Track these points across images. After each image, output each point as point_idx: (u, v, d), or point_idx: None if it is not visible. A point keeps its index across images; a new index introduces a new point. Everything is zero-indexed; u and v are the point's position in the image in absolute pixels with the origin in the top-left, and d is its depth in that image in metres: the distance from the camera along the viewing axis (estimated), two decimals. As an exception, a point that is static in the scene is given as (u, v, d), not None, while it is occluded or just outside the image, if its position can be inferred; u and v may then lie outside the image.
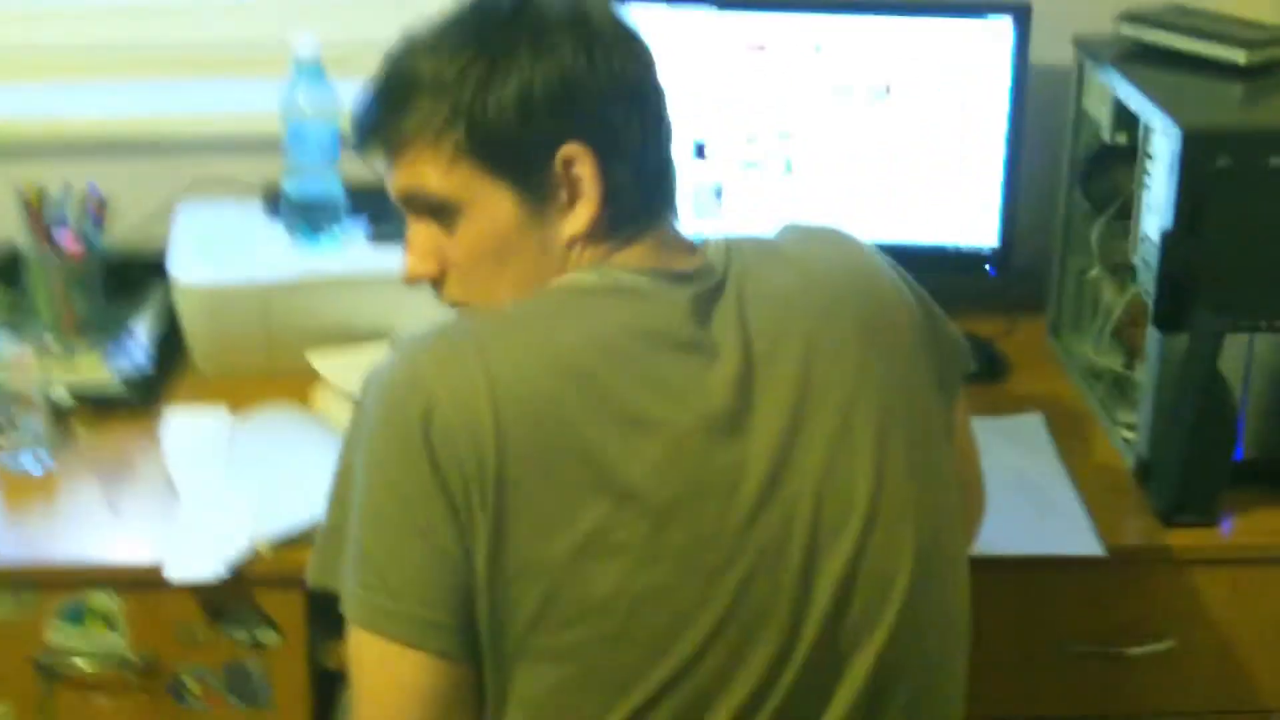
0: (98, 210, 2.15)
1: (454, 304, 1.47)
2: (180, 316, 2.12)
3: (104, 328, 2.16)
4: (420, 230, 1.46)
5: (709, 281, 1.43)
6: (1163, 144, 1.86)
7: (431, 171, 1.41)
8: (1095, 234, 2.16)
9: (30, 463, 1.95)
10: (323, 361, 2.08)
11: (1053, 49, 2.25)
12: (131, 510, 1.88)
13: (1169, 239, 1.83)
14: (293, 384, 2.10)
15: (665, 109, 1.47)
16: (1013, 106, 2.22)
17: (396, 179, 1.45)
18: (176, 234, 2.18)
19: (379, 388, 1.36)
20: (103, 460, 1.98)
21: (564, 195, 1.41)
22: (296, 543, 1.77)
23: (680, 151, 1.49)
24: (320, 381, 2.06)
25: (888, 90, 2.22)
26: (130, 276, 2.25)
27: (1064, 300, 2.30)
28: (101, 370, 2.08)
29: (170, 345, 2.18)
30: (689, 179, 2.24)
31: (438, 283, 1.47)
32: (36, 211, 2.13)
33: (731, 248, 1.48)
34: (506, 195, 1.41)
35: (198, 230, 2.19)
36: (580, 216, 1.41)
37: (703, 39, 2.21)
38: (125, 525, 1.85)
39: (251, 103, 2.35)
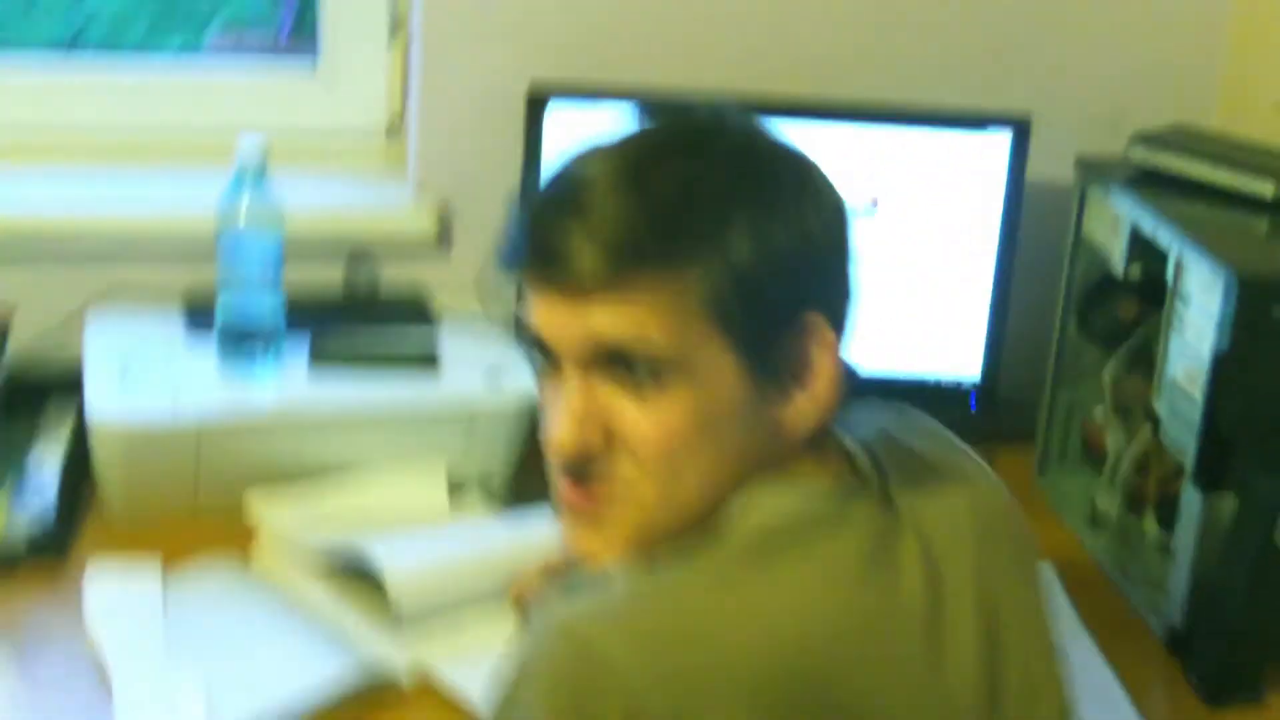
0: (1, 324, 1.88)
1: (594, 484, 1.18)
2: (95, 458, 1.85)
3: (3, 465, 1.89)
4: (593, 390, 1.16)
5: (873, 496, 1.22)
6: (1203, 287, 1.72)
7: (658, 324, 1.12)
8: (1108, 374, 2.00)
9: (-74, 638, 1.68)
10: (266, 509, 1.83)
11: (1051, 167, 2.09)
12: (55, 703, 1.61)
13: (1216, 390, 1.69)
14: (223, 529, 1.85)
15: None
16: (1004, 228, 2.07)
17: (595, 319, 1.13)
18: (89, 355, 1.92)
19: (546, 680, 1.09)
20: (11, 631, 1.70)
21: (789, 377, 1.17)
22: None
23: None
24: (261, 532, 1.82)
25: (874, 205, 2.05)
26: (23, 396, 1.98)
27: (1052, 437, 2.14)
28: (4, 519, 1.81)
29: (76, 479, 1.91)
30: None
31: (585, 459, 1.17)
32: (-77, 332, 1.86)
33: (868, 447, 1.26)
34: (732, 367, 1.15)
35: (112, 350, 1.92)
36: (806, 405, 1.17)
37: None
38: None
39: (164, 200, 2.11)
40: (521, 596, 1.68)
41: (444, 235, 2.16)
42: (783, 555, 1.14)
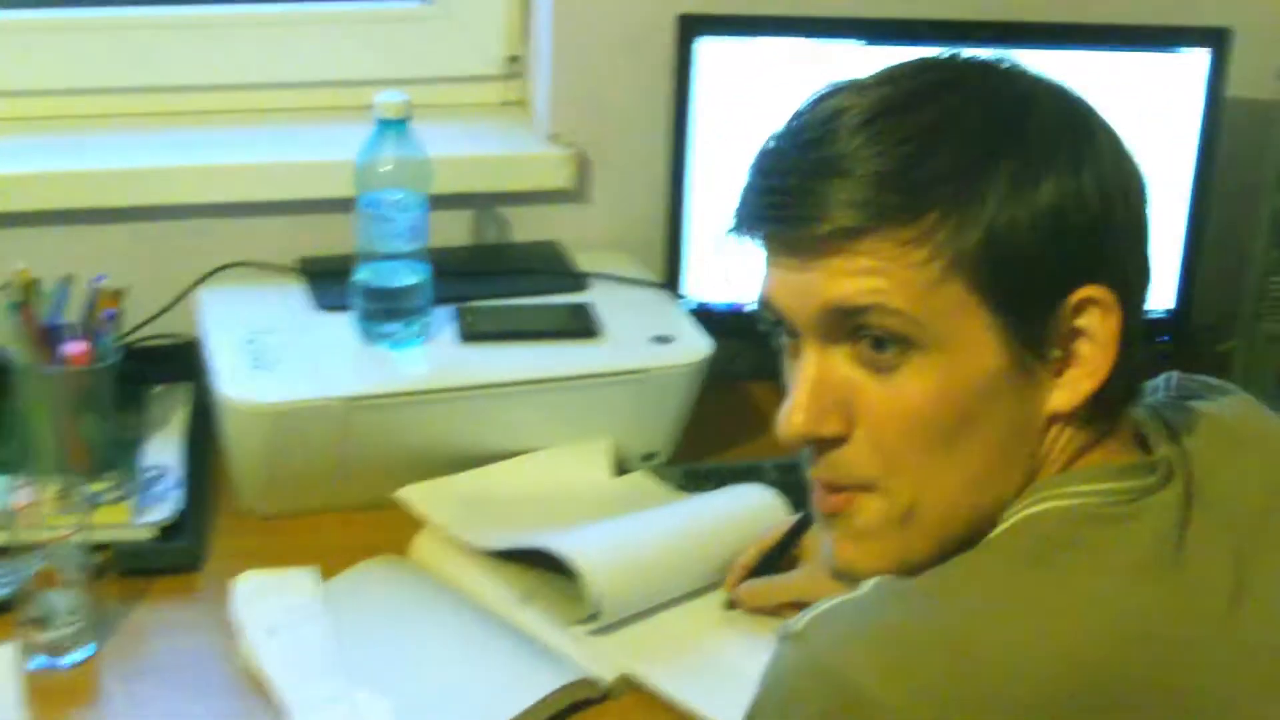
0: (110, 306, 1.67)
1: (848, 482, 1.03)
2: (230, 444, 1.65)
3: (122, 461, 1.69)
4: (833, 365, 1.02)
5: (1174, 488, 1.04)
6: None
7: (902, 287, 0.98)
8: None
9: (72, 659, 1.48)
10: (425, 503, 1.63)
11: (1251, 82, 1.90)
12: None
13: None
14: (373, 523, 1.66)
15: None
16: (1202, 151, 1.89)
17: (826, 284, 1.00)
18: (211, 333, 1.71)
19: (796, 705, 0.96)
20: (156, 651, 1.51)
21: (1058, 353, 1.01)
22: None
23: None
24: (425, 529, 1.62)
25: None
26: (126, 383, 1.78)
27: (1251, 373, 1.96)
28: (131, 521, 1.61)
29: (198, 473, 1.71)
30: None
31: (826, 442, 1.02)
32: (30, 311, 1.65)
33: (1175, 431, 1.09)
34: (993, 338, 0.99)
35: (234, 327, 1.72)
36: (1079, 386, 1.01)
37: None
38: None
39: (261, 161, 1.90)
40: (739, 594, 1.53)
41: (581, 186, 1.95)
42: (1058, 559, 0.98)
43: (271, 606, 1.52)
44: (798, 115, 1.04)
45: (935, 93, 1.01)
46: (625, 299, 1.82)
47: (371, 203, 1.66)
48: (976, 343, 0.99)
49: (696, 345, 1.74)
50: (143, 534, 1.61)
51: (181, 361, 1.84)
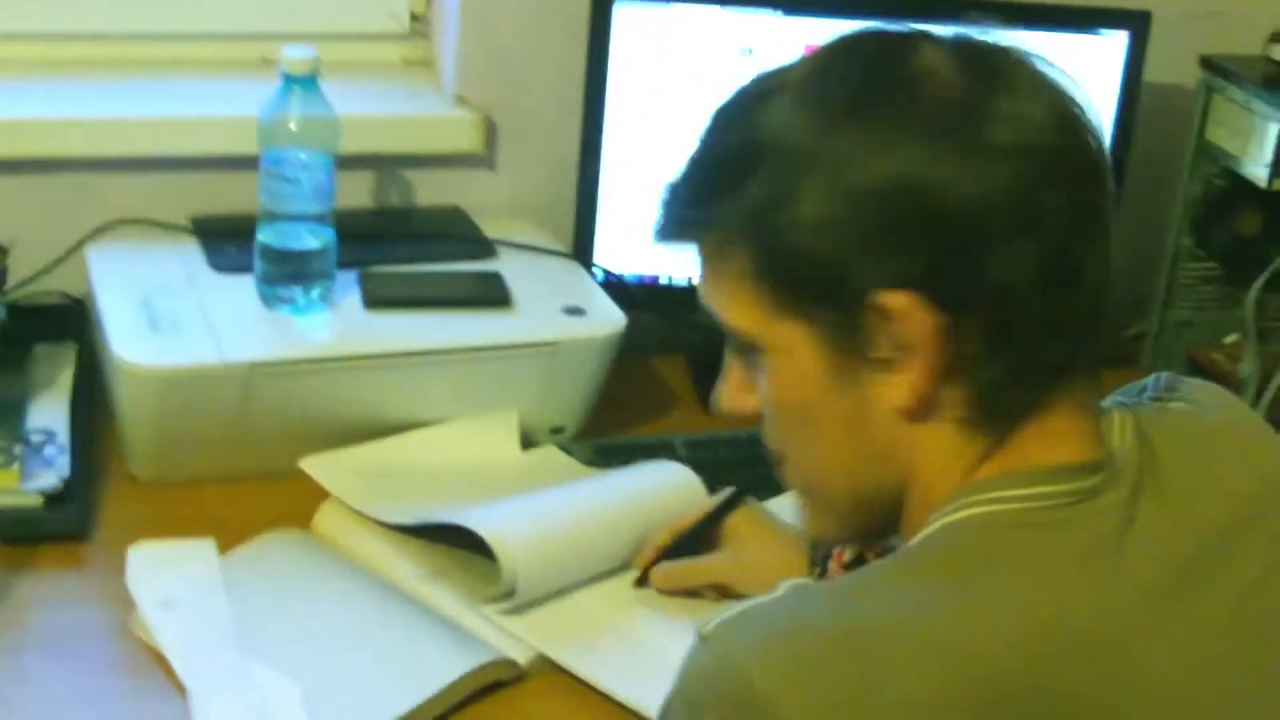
0: (-3, 262, 1.59)
1: (775, 454, 1.11)
2: (122, 408, 1.57)
3: (5, 423, 1.60)
4: (735, 360, 1.11)
5: (1118, 489, 1.01)
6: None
7: (732, 300, 1.05)
8: (1251, 299, 1.81)
9: (-48, 637, 1.40)
10: (327, 475, 1.57)
11: (1167, 69, 1.90)
12: (110, 709, 1.35)
13: None
14: (268, 495, 1.59)
15: (1098, 224, 1.02)
16: (1117, 136, 1.86)
17: (701, 286, 1.09)
18: (102, 292, 1.63)
19: (700, 707, 0.95)
20: (45, 623, 1.43)
21: (884, 353, 1.00)
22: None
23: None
24: (327, 503, 1.56)
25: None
26: (8, 342, 1.69)
27: (1159, 363, 1.96)
28: (18, 487, 1.53)
29: (86, 438, 1.63)
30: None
31: (744, 423, 1.13)
32: (-89, 265, 1.56)
33: (1145, 430, 1.06)
34: (807, 342, 1.02)
35: (126, 286, 1.64)
36: (904, 386, 1.00)
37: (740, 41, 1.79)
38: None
39: (151, 116, 1.82)
40: (653, 577, 1.49)
41: (488, 151, 1.89)
42: (970, 568, 0.97)
43: (166, 579, 1.45)
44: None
45: (739, 104, 1.05)
46: (534, 268, 1.77)
47: (275, 161, 1.59)
48: (796, 346, 1.03)
49: (610, 317, 1.69)
50: (29, 500, 1.53)
51: (66, 320, 1.77)
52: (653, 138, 1.81)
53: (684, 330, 1.96)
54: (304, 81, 1.57)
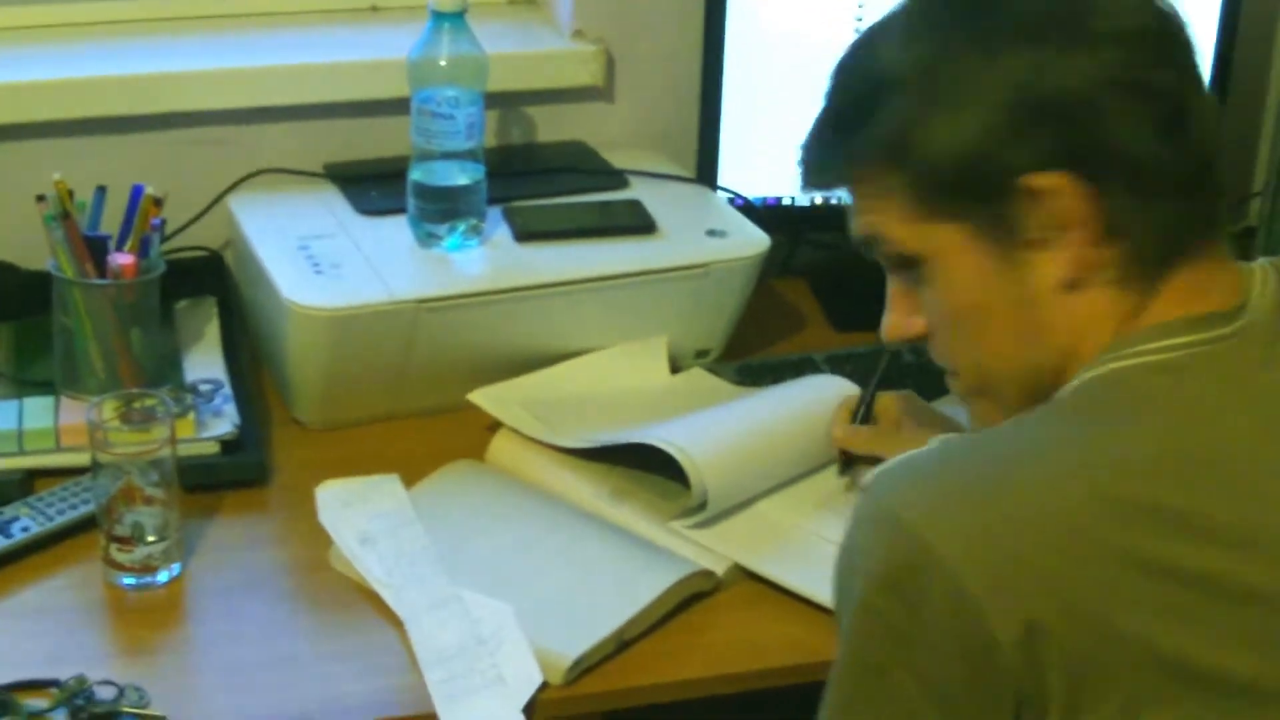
0: (156, 215, 1.60)
1: (948, 366, 1.18)
2: (291, 353, 1.59)
3: (170, 376, 1.62)
4: (897, 282, 1.18)
5: (1257, 333, 1.08)
6: None
7: (885, 217, 1.12)
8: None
9: (166, 576, 1.42)
10: (495, 403, 1.59)
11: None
12: (327, 641, 1.38)
13: None
14: (432, 431, 1.62)
15: (1198, 86, 1.10)
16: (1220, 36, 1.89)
17: (851, 223, 1.16)
18: (257, 240, 1.65)
19: (867, 568, 1.02)
20: (244, 565, 1.46)
21: (1036, 233, 1.08)
22: (590, 664, 1.33)
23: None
24: (502, 432, 1.58)
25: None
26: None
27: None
28: (196, 436, 1.55)
29: (246, 388, 1.65)
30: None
31: (913, 342, 1.19)
32: (73, 222, 1.57)
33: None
34: (966, 239, 1.10)
35: (279, 235, 1.65)
36: (1062, 260, 1.08)
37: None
38: (335, 661, 1.35)
39: (284, 58, 1.83)
40: (839, 435, 1.55)
41: (606, 83, 1.91)
42: (1100, 410, 1.06)
43: (359, 515, 1.48)
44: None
45: (880, 30, 1.12)
46: (666, 195, 1.78)
47: (427, 99, 1.61)
48: (957, 248, 1.09)
49: (752, 238, 1.71)
50: (207, 448, 1.55)
51: (202, 274, 1.79)
52: (770, 61, 1.83)
53: (806, 250, 1.98)
54: (453, 18, 1.59)
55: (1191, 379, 1.05)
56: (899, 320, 1.17)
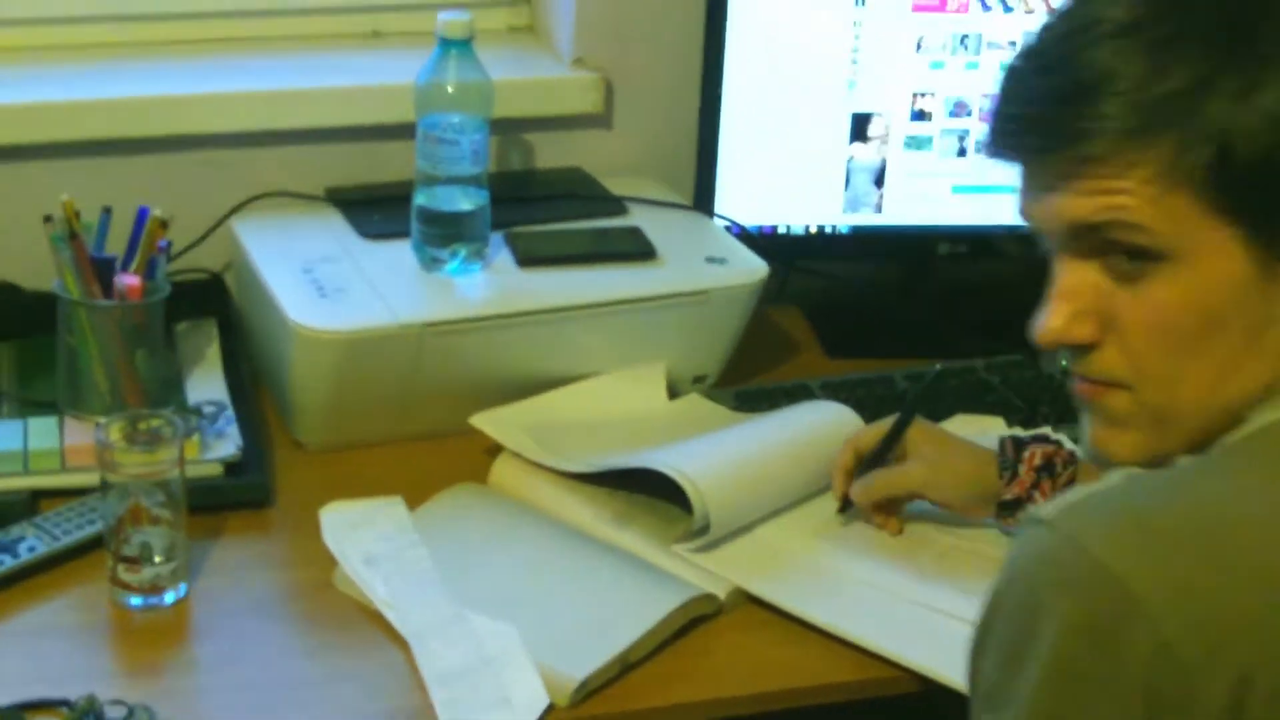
0: (162, 237, 1.61)
1: (1100, 379, 1.07)
2: (296, 375, 1.60)
3: (173, 397, 1.63)
4: (1084, 276, 1.05)
5: None
6: None
7: (1142, 202, 1.00)
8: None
9: (173, 597, 1.43)
10: (497, 427, 1.60)
11: None
12: (333, 662, 1.39)
13: None
14: (433, 454, 1.64)
15: None
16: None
17: (1068, 203, 1.03)
18: (262, 263, 1.66)
19: (1059, 609, 0.95)
20: (249, 586, 1.47)
21: None
22: (595, 686, 1.34)
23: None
24: (504, 456, 1.59)
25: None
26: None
27: None
28: (200, 457, 1.56)
29: (249, 410, 1.66)
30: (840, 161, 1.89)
31: (1082, 347, 1.06)
32: (81, 243, 1.58)
33: None
34: (1235, 246, 1.00)
35: (284, 257, 1.67)
36: None
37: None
38: (341, 682, 1.36)
39: (287, 83, 1.85)
40: (854, 492, 1.54)
41: (606, 110, 1.93)
42: None
43: (364, 537, 1.49)
44: (1044, 30, 1.04)
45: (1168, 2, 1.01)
46: (665, 222, 1.80)
47: (433, 125, 1.62)
48: (1219, 251, 1.00)
49: (751, 265, 1.73)
50: (211, 470, 1.56)
51: (204, 296, 1.80)
52: (767, 91, 1.85)
53: (799, 278, 2.00)
54: (460, 45, 1.61)
55: None
56: (1069, 321, 1.05)
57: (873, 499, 1.53)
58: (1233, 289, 1.01)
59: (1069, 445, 1.50)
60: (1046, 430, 1.58)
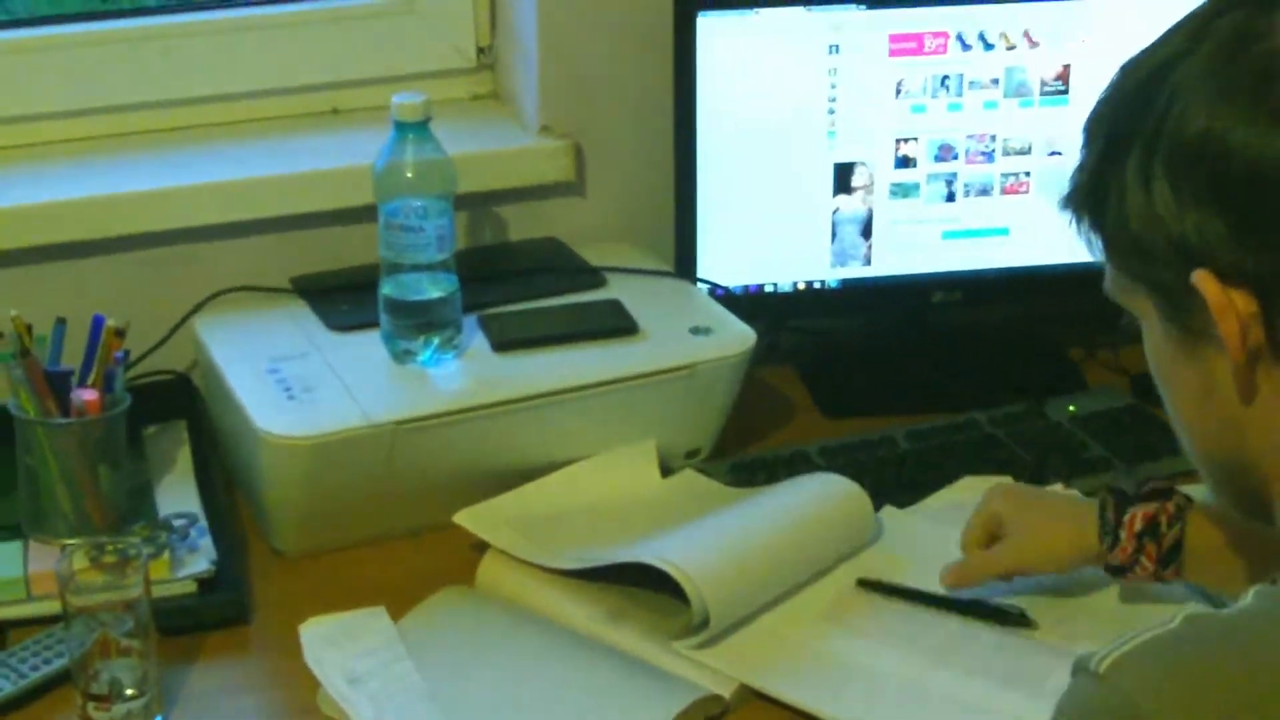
0: (118, 347, 1.54)
1: None
2: (265, 481, 1.53)
3: (142, 511, 1.56)
4: None
5: None
6: None
7: (1108, 266, 1.08)
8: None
9: (146, 737, 1.36)
10: (482, 524, 1.53)
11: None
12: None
13: None
14: (419, 553, 1.57)
15: None
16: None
17: None
18: (225, 364, 1.59)
19: None
20: (228, 714, 1.39)
21: (1210, 325, 1.00)
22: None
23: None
24: (491, 555, 1.52)
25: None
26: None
27: None
28: (172, 576, 1.48)
29: (222, 518, 1.59)
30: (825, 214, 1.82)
31: None
32: (34, 360, 1.51)
33: None
34: (1155, 312, 1.05)
35: (247, 357, 1.59)
36: (1227, 360, 1.00)
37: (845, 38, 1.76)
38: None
39: (243, 171, 1.78)
40: (952, 580, 1.47)
41: (576, 177, 1.86)
42: None
43: (346, 653, 1.41)
44: None
45: (1116, 78, 1.06)
46: (646, 291, 1.73)
47: (395, 211, 1.55)
48: (1148, 314, 1.06)
49: (738, 333, 1.66)
50: (184, 588, 1.49)
51: (173, 398, 1.73)
52: (743, 147, 1.78)
53: (790, 336, 1.93)
54: (417, 127, 1.54)
55: None
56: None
57: (966, 584, 1.46)
58: (1165, 350, 1.05)
59: (1180, 491, 1.39)
60: (1155, 481, 1.46)
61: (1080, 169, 1.06)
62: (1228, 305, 0.97)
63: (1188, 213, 0.98)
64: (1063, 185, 1.08)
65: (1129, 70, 1.04)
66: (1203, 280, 0.98)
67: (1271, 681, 0.89)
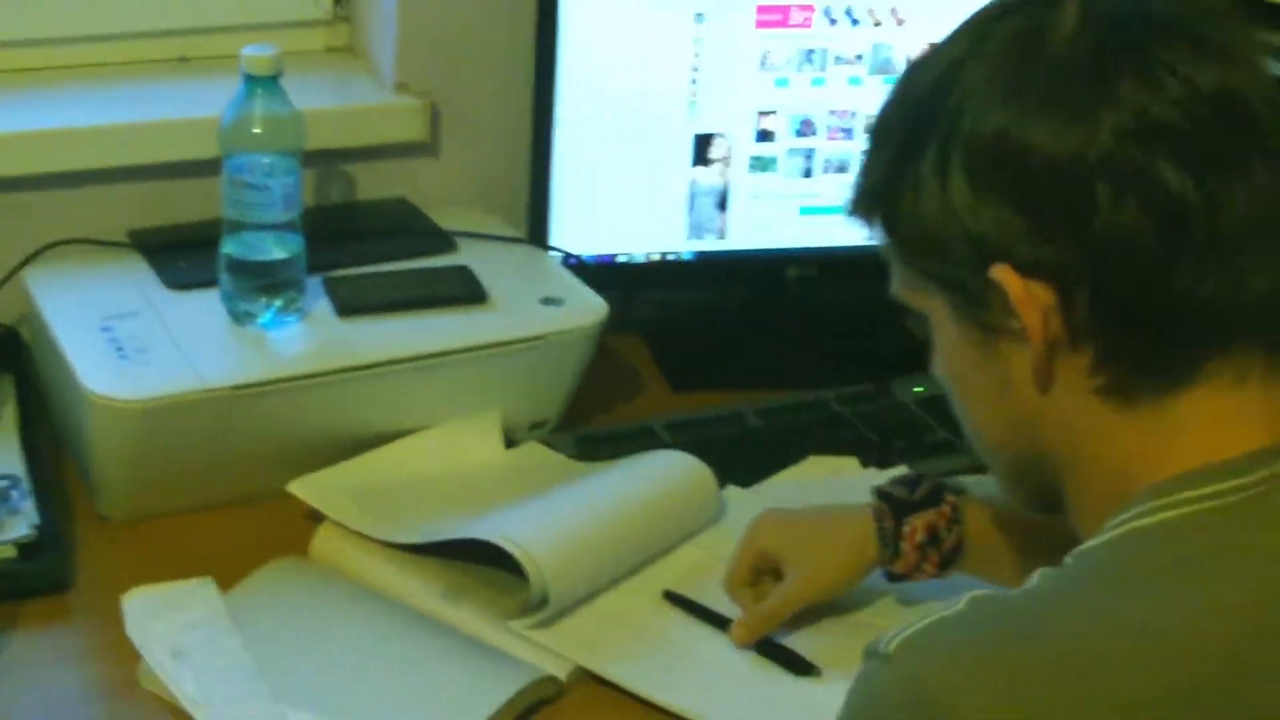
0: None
1: None
2: (94, 444, 1.47)
3: (-42, 470, 1.50)
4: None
5: None
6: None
7: (895, 268, 1.08)
8: None
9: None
10: (317, 494, 1.49)
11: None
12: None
13: None
14: (254, 521, 1.52)
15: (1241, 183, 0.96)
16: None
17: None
18: (55, 320, 1.53)
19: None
20: (46, 686, 1.34)
21: (1010, 324, 1.00)
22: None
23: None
24: (325, 526, 1.48)
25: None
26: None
27: None
28: (-11, 540, 1.43)
29: (47, 479, 1.53)
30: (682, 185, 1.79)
31: None
32: None
33: None
34: (948, 312, 1.04)
35: (79, 313, 1.53)
36: (1026, 358, 1.00)
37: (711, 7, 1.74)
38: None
39: (84, 118, 1.71)
40: (745, 636, 1.40)
41: (433, 139, 1.81)
42: (1164, 580, 0.93)
43: (170, 625, 1.36)
44: None
45: (904, 79, 1.07)
46: (497, 258, 1.69)
47: (240, 168, 1.50)
48: (940, 315, 1.05)
49: (590, 305, 1.63)
50: (4, 553, 1.43)
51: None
52: (603, 114, 1.74)
53: (641, 306, 1.90)
54: (267, 82, 1.48)
55: (1249, 534, 0.94)
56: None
57: (768, 632, 1.39)
58: (959, 349, 1.04)
59: (950, 497, 1.37)
60: (906, 471, 1.49)
61: (868, 171, 1.06)
62: (1029, 298, 0.97)
63: (986, 209, 0.97)
64: (849, 189, 1.08)
65: (915, 73, 1.05)
66: (1004, 274, 0.97)
67: (1053, 658, 0.90)
